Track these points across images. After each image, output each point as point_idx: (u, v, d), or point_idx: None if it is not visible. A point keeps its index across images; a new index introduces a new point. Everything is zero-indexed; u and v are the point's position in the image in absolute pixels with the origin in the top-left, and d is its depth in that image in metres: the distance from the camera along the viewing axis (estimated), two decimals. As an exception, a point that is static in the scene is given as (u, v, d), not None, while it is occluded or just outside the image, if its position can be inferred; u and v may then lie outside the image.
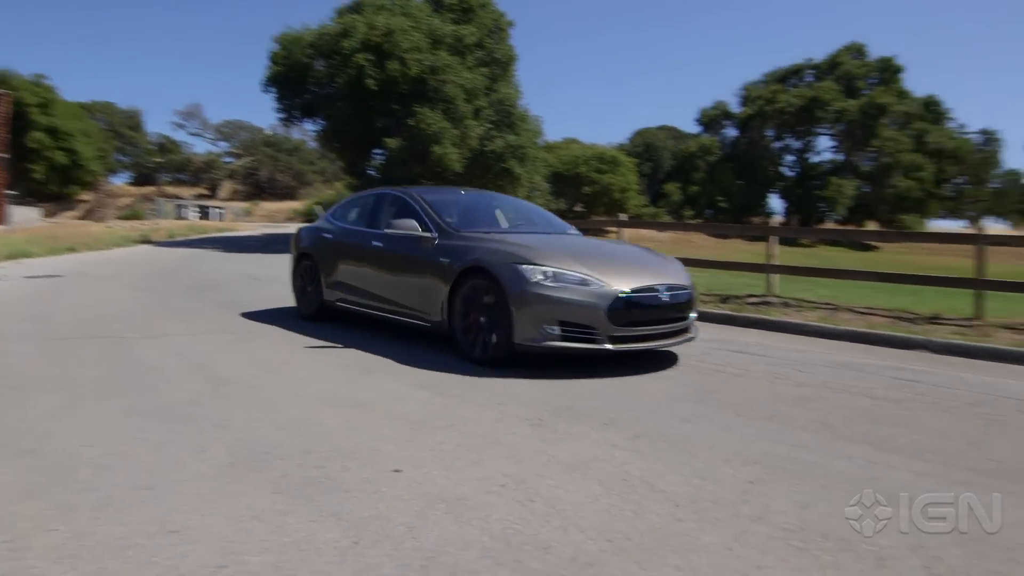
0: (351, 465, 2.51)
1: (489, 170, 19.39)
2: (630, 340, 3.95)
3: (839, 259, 29.00)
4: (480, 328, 4.17)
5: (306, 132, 50.11)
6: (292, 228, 9.37)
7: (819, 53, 48.79)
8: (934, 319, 6.28)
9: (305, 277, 5.77)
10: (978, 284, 6.27)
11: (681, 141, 51.22)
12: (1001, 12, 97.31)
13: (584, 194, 39.21)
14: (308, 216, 40.40)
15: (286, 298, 6.66)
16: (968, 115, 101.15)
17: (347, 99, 17.96)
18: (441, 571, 1.77)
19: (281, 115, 21.52)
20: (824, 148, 47.47)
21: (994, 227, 46.98)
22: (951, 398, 3.65)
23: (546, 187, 24.25)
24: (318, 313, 5.61)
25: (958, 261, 7.29)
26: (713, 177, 45.42)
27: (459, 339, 4.30)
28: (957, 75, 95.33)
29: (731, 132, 49.14)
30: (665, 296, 4.09)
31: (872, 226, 42.01)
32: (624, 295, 3.90)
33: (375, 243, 5.10)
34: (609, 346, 3.85)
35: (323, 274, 5.48)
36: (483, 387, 3.72)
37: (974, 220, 47.36)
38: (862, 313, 6.56)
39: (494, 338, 4.06)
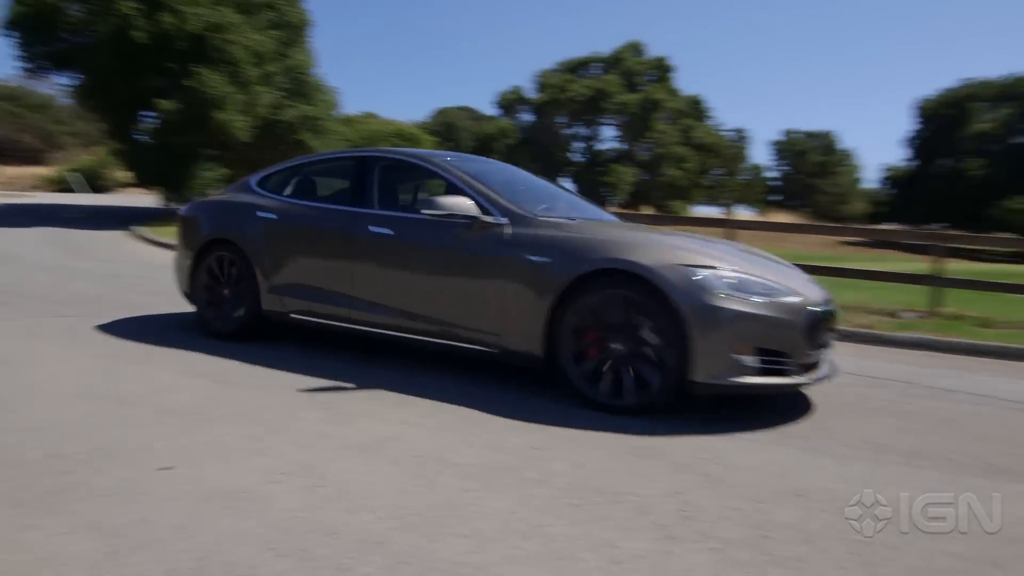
0: (109, 467, 2.26)
1: (281, 141, 18.11)
2: (811, 369, 3.06)
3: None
4: (618, 361, 3.01)
5: (57, 87, 41.92)
6: (53, 199, 7.64)
7: (607, 46, 53.33)
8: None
9: (220, 276, 4.10)
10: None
11: (480, 123, 52.78)
12: (753, 25, 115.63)
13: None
14: (61, 185, 34.05)
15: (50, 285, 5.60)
16: (725, 114, 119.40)
17: (110, 52, 15.43)
18: (216, 570, 1.68)
19: (25, 65, 17.80)
20: (609, 137, 51.73)
21: (744, 214, 54.11)
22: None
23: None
24: (246, 328, 4.02)
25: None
26: (511, 160, 47.41)
27: (572, 376, 3.10)
28: (717, 77, 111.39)
29: (527, 117, 51.79)
30: (832, 309, 3.29)
31: (648, 211, 46.83)
32: (815, 309, 3.02)
33: (375, 229, 3.63)
34: (803, 378, 2.99)
35: (262, 273, 3.89)
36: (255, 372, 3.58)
37: (728, 207, 55.54)
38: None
39: (656, 379, 2.93)
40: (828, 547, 1.85)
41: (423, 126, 48.06)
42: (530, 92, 51.47)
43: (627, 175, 47.43)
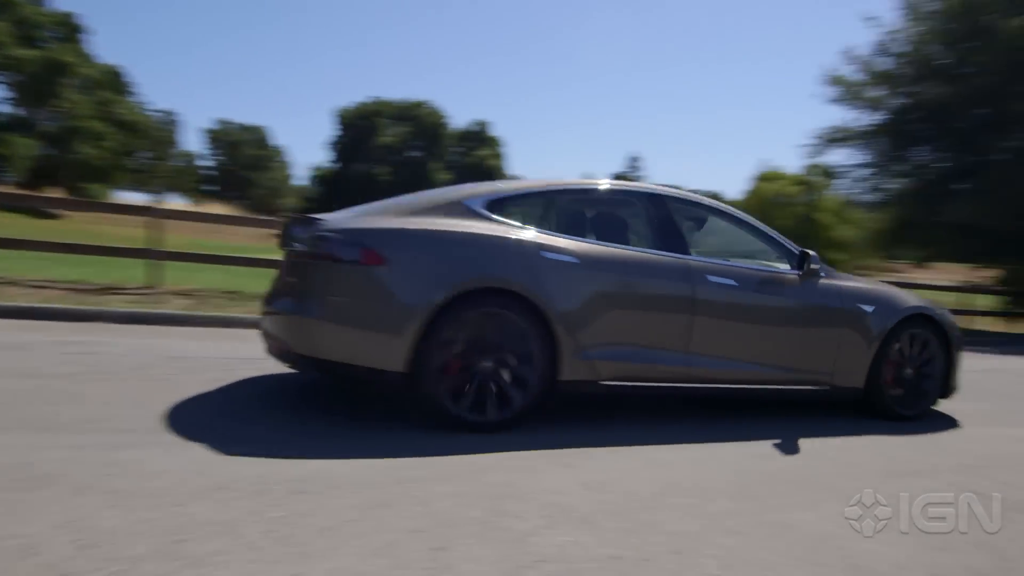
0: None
1: None
2: None
3: (16, 227, 23.01)
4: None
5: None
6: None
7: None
8: (111, 289, 6.94)
9: (481, 342, 3.15)
10: (154, 254, 7.50)
11: None
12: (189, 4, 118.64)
13: None
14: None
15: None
16: (152, 94, 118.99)
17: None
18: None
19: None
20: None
21: (177, 202, 57.04)
22: (121, 366, 3.84)
23: None
24: (524, 412, 3.24)
25: (140, 232, 7.82)
26: None
27: (891, 401, 4.12)
28: (144, 52, 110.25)
29: None
30: None
31: (56, 193, 42.08)
32: None
33: (716, 280, 3.67)
34: None
35: (565, 332, 3.25)
36: None
37: (158, 194, 55.74)
38: (38, 287, 6.67)
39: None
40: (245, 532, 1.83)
41: None
42: None
43: (25, 147, 44.27)
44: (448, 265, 3.11)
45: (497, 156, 73.20)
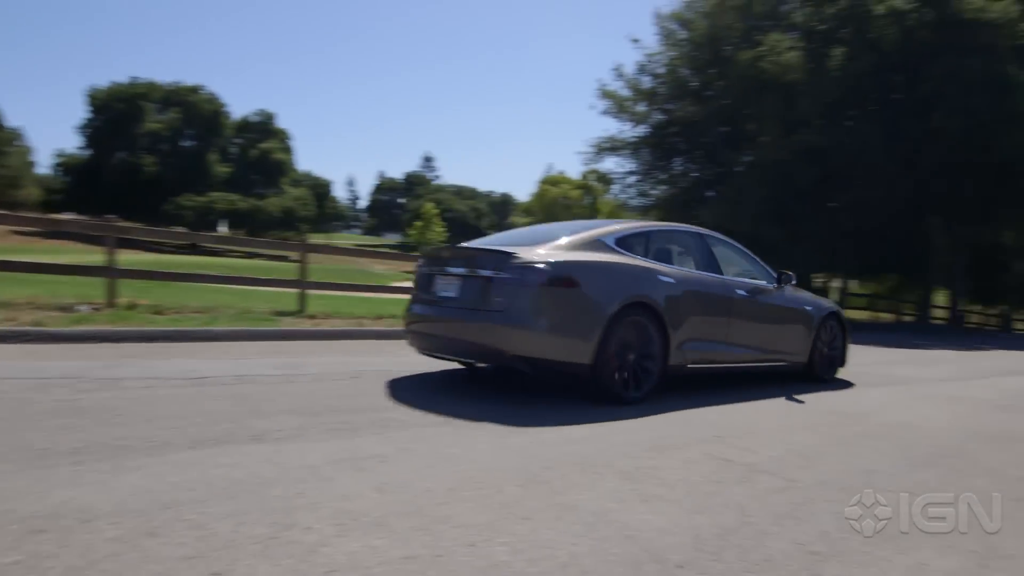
0: None
1: None
2: None
3: None
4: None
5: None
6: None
7: None
8: None
9: (635, 340, 4.44)
10: None
11: None
12: None
13: None
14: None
15: None
16: None
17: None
18: None
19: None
20: None
21: None
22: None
23: None
24: (653, 390, 4.58)
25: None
26: None
27: (819, 370, 6.20)
28: None
29: None
30: None
31: None
32: None
33: (748, 293, 5.48)
34: None
35: (673, 332, 4.59)
36: None
37: None
38: None
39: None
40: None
41: None
42: None
43: None
44: (615, 287, 4.34)
45: (286, 150, 69.44)
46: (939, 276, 27.67)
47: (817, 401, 5.15)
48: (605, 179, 40.39)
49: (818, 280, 27.57)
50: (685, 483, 2.80)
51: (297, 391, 4.21)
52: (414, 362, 5.71)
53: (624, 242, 4.73)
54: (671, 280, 4.73)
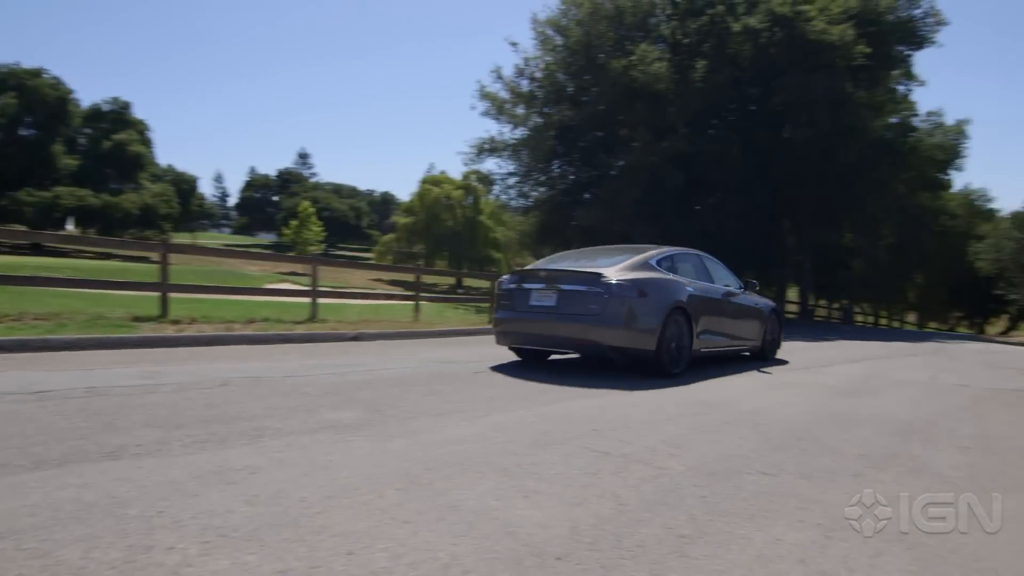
0: None
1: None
2: None
3: None
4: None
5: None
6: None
7: None
8: None
9: (679, 332, 6.35)
10: None
11: None
12: None
13: None
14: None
15: None
16: None
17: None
18: None
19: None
20: None
21: None
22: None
23: None
24: (686, 367, 6.51)
25: None
26: None
27: (767, 352, 8.58)
28: None
29: None
30: None
31: None
32: None
33: (728, 297, 7.59)
34: None
35: (696, 325, 6.57)
36: None
37: None
38: None
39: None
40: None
41: None
42: None
43: None
44: (666, 296, 6.22)
45: (144, 142, 64.29)
46: (791, 273, 30.16)
47: (685, 393, 5.47)
48: (486, 180, 40.67)
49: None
50: (563, 477, 2.87)
51: (158, 402, 3.93)
52: (289, 368, 5.48)
53: (661, 263, 6.68)
54: (692, 289, 6.65)
